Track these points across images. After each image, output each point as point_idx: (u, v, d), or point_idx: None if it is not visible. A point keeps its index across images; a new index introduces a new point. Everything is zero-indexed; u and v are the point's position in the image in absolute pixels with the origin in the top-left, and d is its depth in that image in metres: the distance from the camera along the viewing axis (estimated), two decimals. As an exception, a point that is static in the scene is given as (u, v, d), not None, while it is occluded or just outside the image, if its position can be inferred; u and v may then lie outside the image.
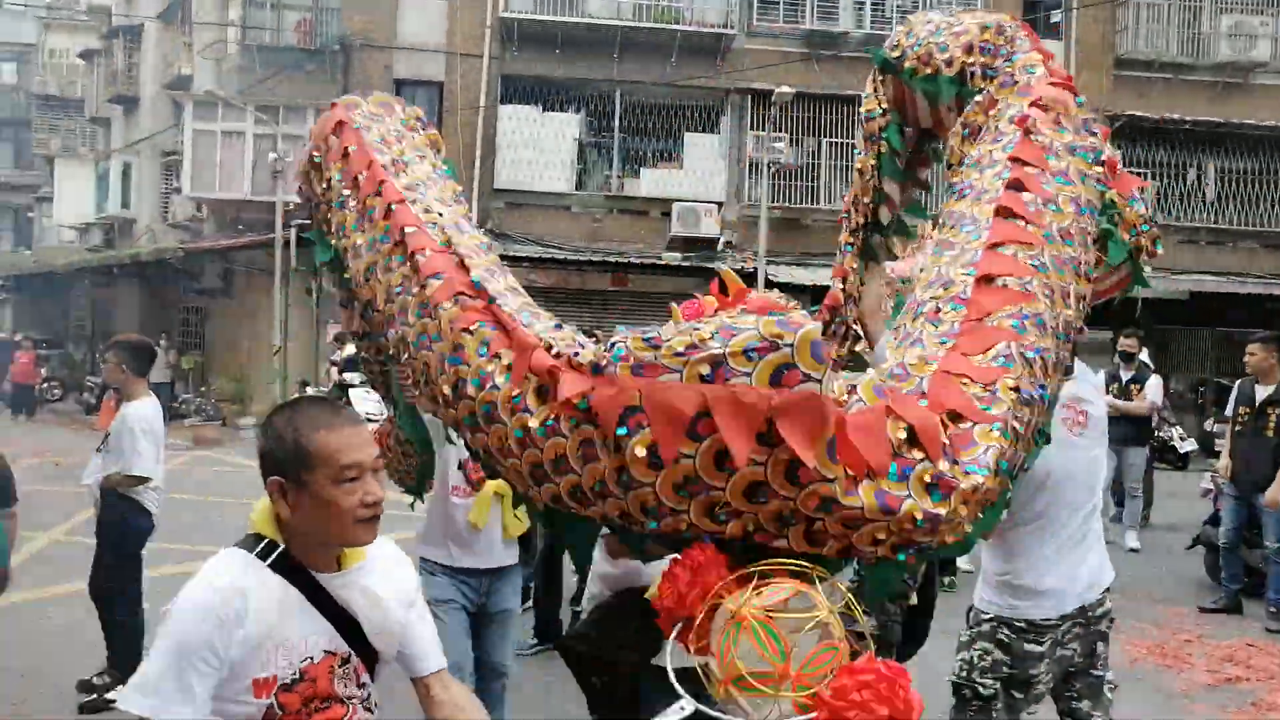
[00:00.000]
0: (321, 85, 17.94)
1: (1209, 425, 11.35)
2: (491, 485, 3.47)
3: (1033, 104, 2.31)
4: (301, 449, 1.67)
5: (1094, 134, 2.36)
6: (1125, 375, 8.63)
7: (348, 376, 13.29)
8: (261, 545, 1.73)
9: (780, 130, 17.25)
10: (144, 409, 4.50)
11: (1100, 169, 2.31)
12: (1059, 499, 2.88)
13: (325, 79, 17.92)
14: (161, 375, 18.01)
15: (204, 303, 20.43)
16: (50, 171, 27.54)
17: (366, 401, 12.91)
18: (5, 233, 34.85)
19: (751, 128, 17.66)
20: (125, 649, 4.51)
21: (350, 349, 14.77)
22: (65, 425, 17.50)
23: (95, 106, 26.46)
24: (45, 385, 20.86)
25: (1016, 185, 2.11)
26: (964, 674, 2.91)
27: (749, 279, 17.22)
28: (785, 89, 16.18)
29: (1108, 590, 3.07)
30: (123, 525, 4.51)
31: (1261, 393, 6.50)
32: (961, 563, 6.54)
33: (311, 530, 1.70)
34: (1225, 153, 18.73)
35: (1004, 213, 2.07)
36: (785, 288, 17.46)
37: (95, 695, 4.44)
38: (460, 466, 3.57)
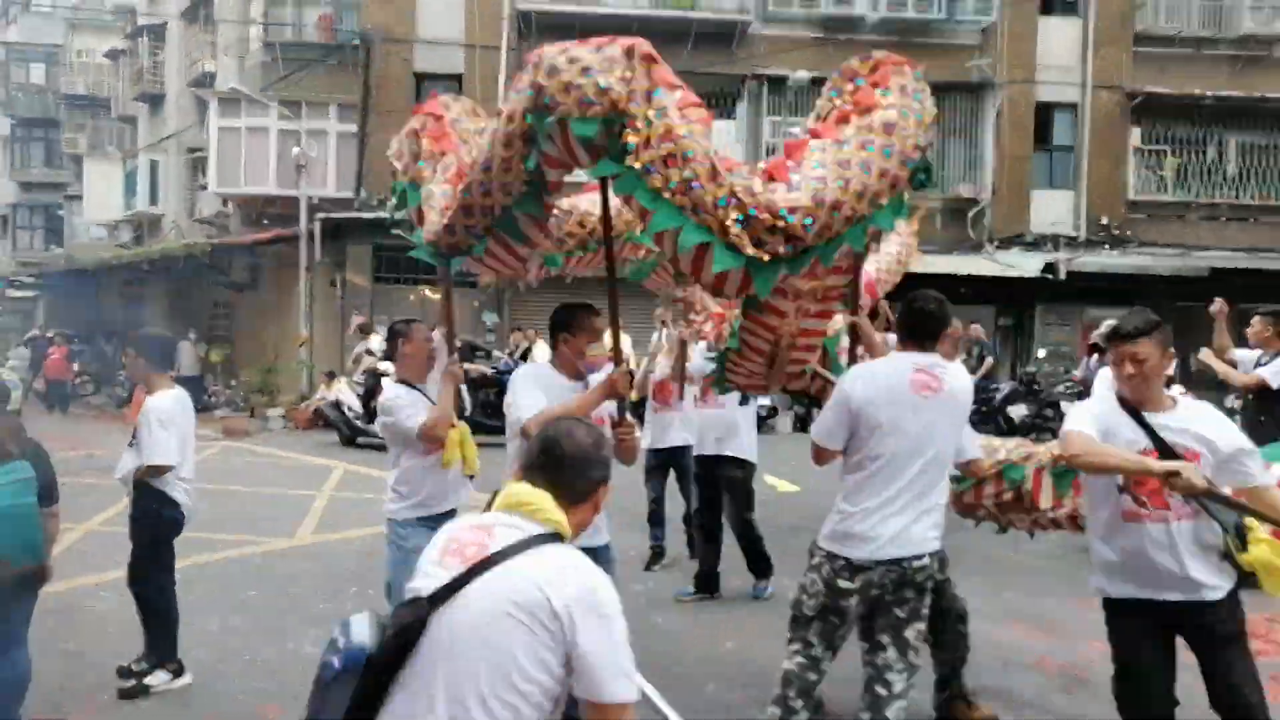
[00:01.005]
0: (343, 80, 18.12)
1: (1229, 402, 11.23)
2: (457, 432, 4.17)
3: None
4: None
5: None
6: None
7: (382, 365, 13.51)
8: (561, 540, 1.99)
9: (797, 115, 17.23)
10: (162, 401, 4.56)
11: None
12: (887, 449, 3.30)
13: (346, 74, 18.09)
14: (191, 369, 18.35)
15: (231, 297, 20.74)
16: (79, 170, 27.97)
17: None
18: (37, 231, 35.41)
19: (768, 113, 17.65)
20: (160, 636, 4.66)
21: (376, 340, 14.99)
22: (98, 419, 17.87)
23: (122, 105, 26.84)
24: (78, 380, 21.26)
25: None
26: (797, 597, 3.50)
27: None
28: (801, 74, 16.17)
29: (934, 556, 3.41)
30: (153, 517, 4.61)
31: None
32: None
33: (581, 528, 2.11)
34: (1247, 128, 18.49)
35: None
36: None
37: (134, 681, 4.57)
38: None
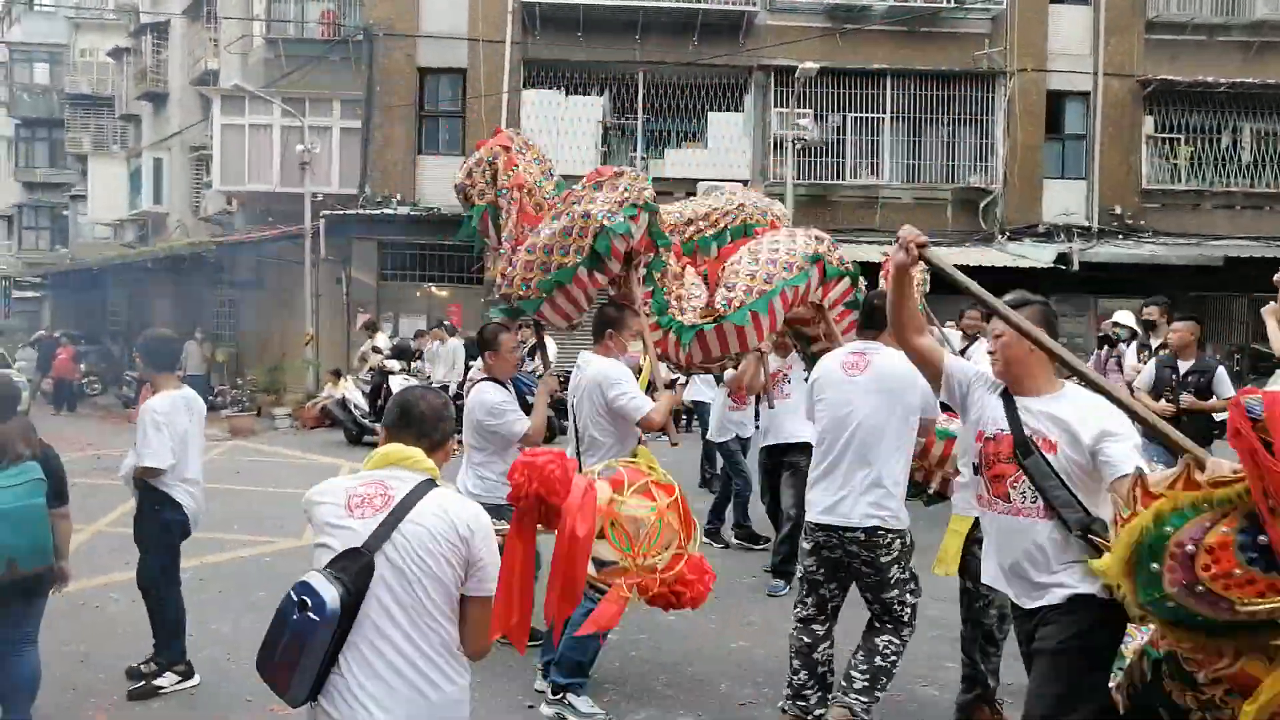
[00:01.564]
0: (346, 76, 18.05)
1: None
2: None
3: None
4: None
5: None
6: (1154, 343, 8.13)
7: (389, 364, 13.45)
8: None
9: (804, 106, 17.11)
10: (159, 402, 4.49)
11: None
12: (823, 424, 3.92)
13: (350, 69, 18.02)
14: (197, 368, 18.32)
15: (236, 295, 20.70)
16: (84, 170, 27.98)
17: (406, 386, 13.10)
18: (42, 231, 35.47)
19: (776, 105, 17.51)
20: (168, 638, 4.62)
21: (383, 337, 14.94)
22: (105, 419, 17.85)
23: (126, 104, 26.84)
24: (85, 380, 21.26)
25: None
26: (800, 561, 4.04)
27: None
28: (809, 64, 16.04)
29: (869, 534, 3.74)
30: (155, 519, 4.57)
31: None
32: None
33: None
34: (1261, 115, 18.33)
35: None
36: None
37: (144, 682, 4.54)
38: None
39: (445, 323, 15.07)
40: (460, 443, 4.65)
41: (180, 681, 4.57)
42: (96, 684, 4.62)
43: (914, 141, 18.13)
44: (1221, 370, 6.78)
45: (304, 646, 2.19)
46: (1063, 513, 2.72)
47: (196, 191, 22.31)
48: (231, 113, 18.26)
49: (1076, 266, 16.76)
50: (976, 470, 2.97)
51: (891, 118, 17.91)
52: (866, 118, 17.90)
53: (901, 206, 17.75)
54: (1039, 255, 16.67)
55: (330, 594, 2.18)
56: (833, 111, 17.84)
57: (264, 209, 18.97)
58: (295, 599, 2.20)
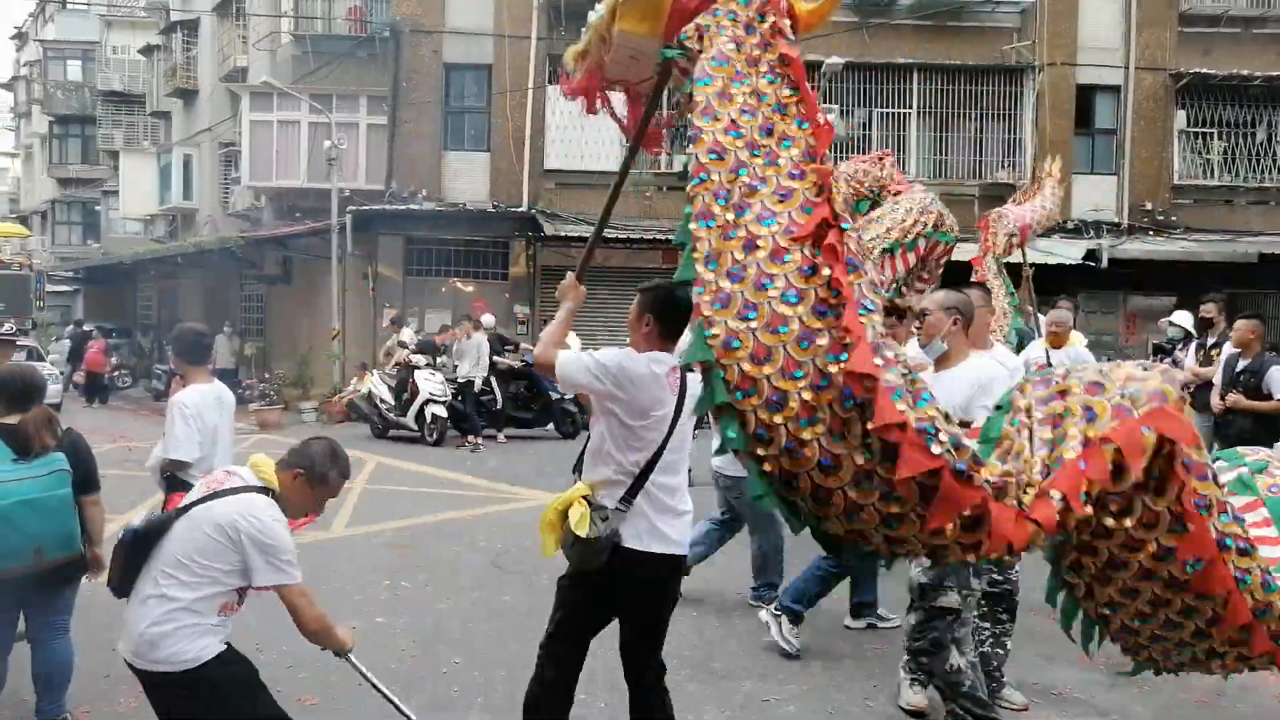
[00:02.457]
0: (373, 72, 18.15)
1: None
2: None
3: None
4: (326, 476, 3.18)
5: None
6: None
7: (414, 358, 13.52)
8: (271, 495, 3.08)
9: (830, 101, 17.00)
10: (187, 395, 4.50)
11: None
12: None
13: (376, 65, 18.12)
14: (226, 362, 18.52)
15: (264, 290, 20.89)
16: (115, 166, 28.33)
17: (430, 382, 13.14)
18: (75, 227, 35.95)
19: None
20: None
21: (408, 332, 15.02)
22: (136, 411, 18.09)
23: (156, 101, 27.12)
24: (116, 373, 21.55)
25: None
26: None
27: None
28: (835, 60, 15.93)
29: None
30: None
31: None
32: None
33: (295, 505, 3.17)
34: (1297, 109, 18.03)
35: None
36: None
37: (173, 670, 4.59)
38: None
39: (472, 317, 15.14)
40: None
41: (209, 670, 4.61)
42: (128, 672, 4.65)
43: (941, 137, 17.98)
44: (1275, 370, 6.72)
45: (115, 555, 3.09)
46: None
47: (225, 187, 22.52)
48: (260, 109, 18.42)
49: (1106, 263, 16.56)
50: None
51: (918, 113, 17.77)
52: (893, 113, 17.77)
53: (928, 202, 17.62)
54: (1067, 252, 16.48)
55: (133, 524, 3.08)
56: (858, 107, 17.73)
57: (292, 204, 19.12)
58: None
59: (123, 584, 3.04)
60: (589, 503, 3.22)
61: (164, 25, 25.96)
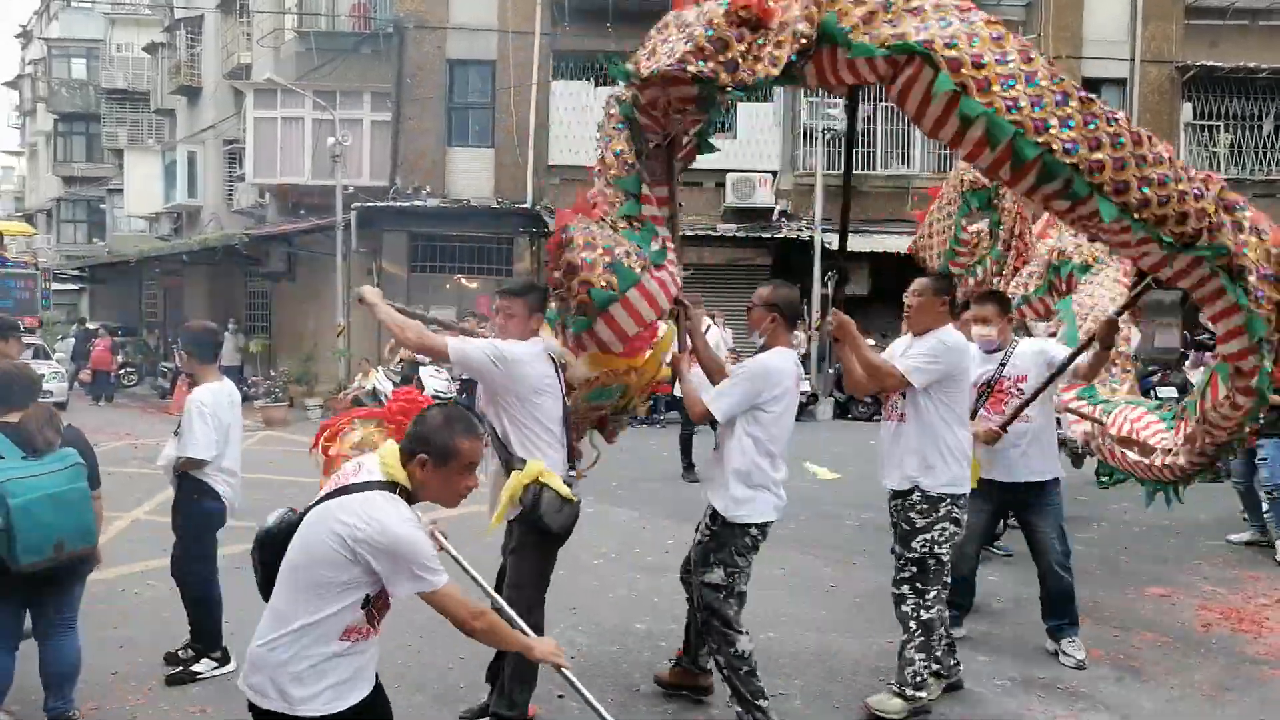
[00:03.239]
0: (376, 68, 18.15)
1: None
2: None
3: None
4: (450, 447, 2.56)
5: None
6: None
7: (420, 355, 13.53)
8: (399, 490, 2.56)
9: (835, 96, 16.93)
10: (203, 394, 4.55)
11: None
12: None
13: (380, 62, 18.12)
14: (231, 359, 18.55)
15: (269, 287, 20.92)
16: (120, 164, 28.37)
17: (436, 379, 13.15)
18: (80, 225, 36.04)
19: (805, 95, 17.39)
20: (204, 625, 4.68)
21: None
22: (142, 409, 18.13)
23: (161, 98, 27.16)
24: (121, 371, 21.59)
25: None
26: (929, 552, 4.12)
27: (805, 247, 17.09)
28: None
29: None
30: (194, 508, 4.62)
31: None
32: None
33: (437, 492, 2.61)
34: (1303, 102, 17.95)
35: None
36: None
37: (181, 668, 4.61)
38: None
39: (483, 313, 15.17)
40: None
41: (217, 667, 4.62)
42: (135, 669, 4.69)
43: (946, 131, 17.92)
44: None
45: (252, 557, 2.72)
46: None
47: (230, 184, 22.55)
48: (264, 106, 18.43)
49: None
50: None
51: (923, 107, 17.69)
52: (897, 107, 17.71)
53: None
54: (1073, 245, 16.42)
55: (270, 521, 2.71)
56: (863, 101, 17.59)
57: (296, 201, 19.14)
58: None
59: (264, 587, 2.69)
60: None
61: (168, 22, 25.99)
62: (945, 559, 4.12)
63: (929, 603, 4.12)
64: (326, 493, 2.59)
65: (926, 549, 4.10)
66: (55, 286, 34.26)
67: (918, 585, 4.12)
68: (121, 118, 31.20)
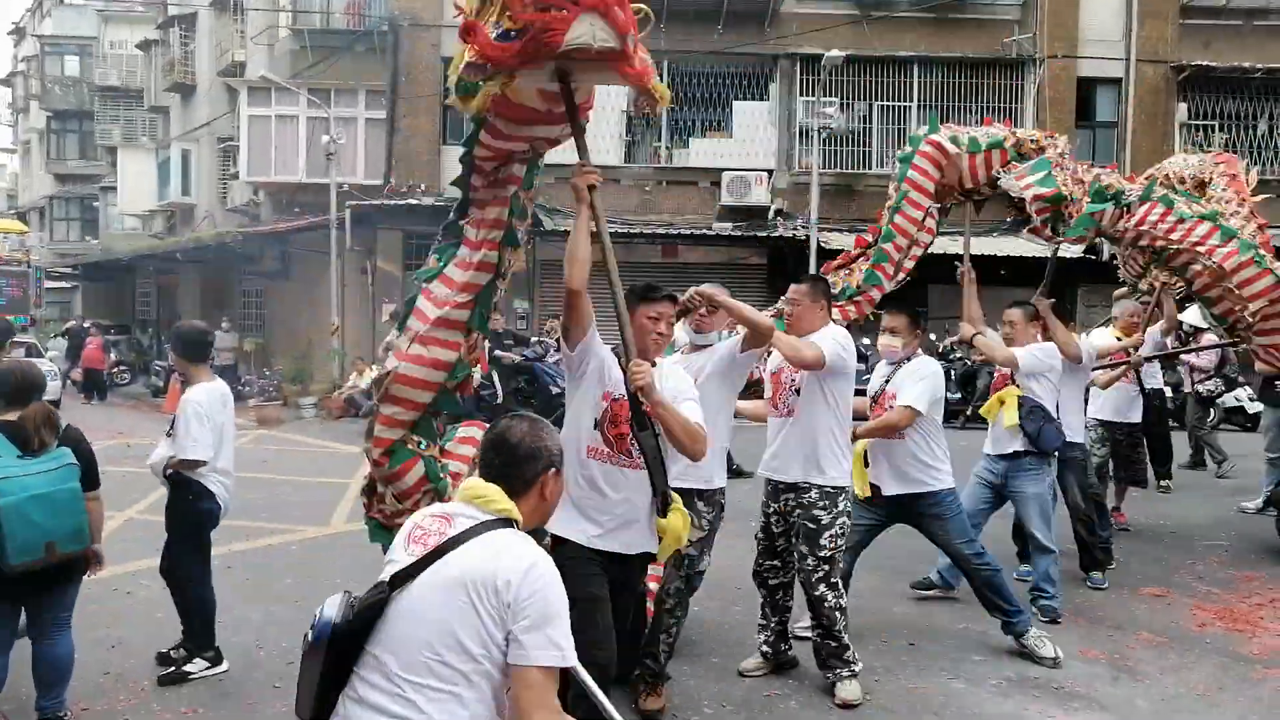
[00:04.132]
0: (371, 66, 18.10)
1: (1280, 385, 10.97)
2: None
3: None
4: (556, 452, 2.28)
5: None
6: None
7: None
8: (514, 526, 2.18)
9: (830, 95, 16.96)
10: (198, 394, 4.53)
11: None
12: None
13: (375, 60, 18.07)
14: (225, 358, 18.49)
15: (263, 285, 20.87)
16: (113, 161, 28.28)
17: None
18: (73, 222, 35.90)
19: (801, 93, 17.40)
20: (197, 625, 4.65)
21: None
22: (134, 408, 18.07)
23: (154, 96, 27.07)
24: (114, 370, 21.50)
25: None
26: None
27: (801, 246, 17.08)
28: (835, 53, 15.90)
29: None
30: (188, 508, 4.60)
31: None
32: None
33: (547, 515, 2.34)
34: (1298, 102, 18.00)
35: None
36: (837, 255, 17.21)
37: (173, 668, 4.58)
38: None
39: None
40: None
41: (209, 668, 4.60)
42: (128, 669, 4.66)
43: (941, 130, 17.93)
44: None
45: (304, 664, 2.12)
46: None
47: (224, 182, 22.49)
48: (258, 104, 18.37)
49: (1106, 257, 16.52)
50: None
51: (919, 105, 17.72)
52: (893, 106, 17.74)
53: (928, 196, 17.61)
54: (1068, 245, 16.45)
55: (331, 612, 2.08)
56: (859, 99, 17.69)
57: (290, 199, 19.09)
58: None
59: (319, 705, 2.10)
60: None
61: (161, 20, 25.91)
62: (843, 546, 4.33)
63: (840, 588, 4.33)
64: (417, 559, 2.09)
65: (834, 545, 4.25)
66: (48, 284, 34.23)
67: (831, 580, 4.26)
68: (115, 115, 31.09)
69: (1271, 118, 18.00)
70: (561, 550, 3.22)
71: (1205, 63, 17.39)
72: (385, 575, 2.13)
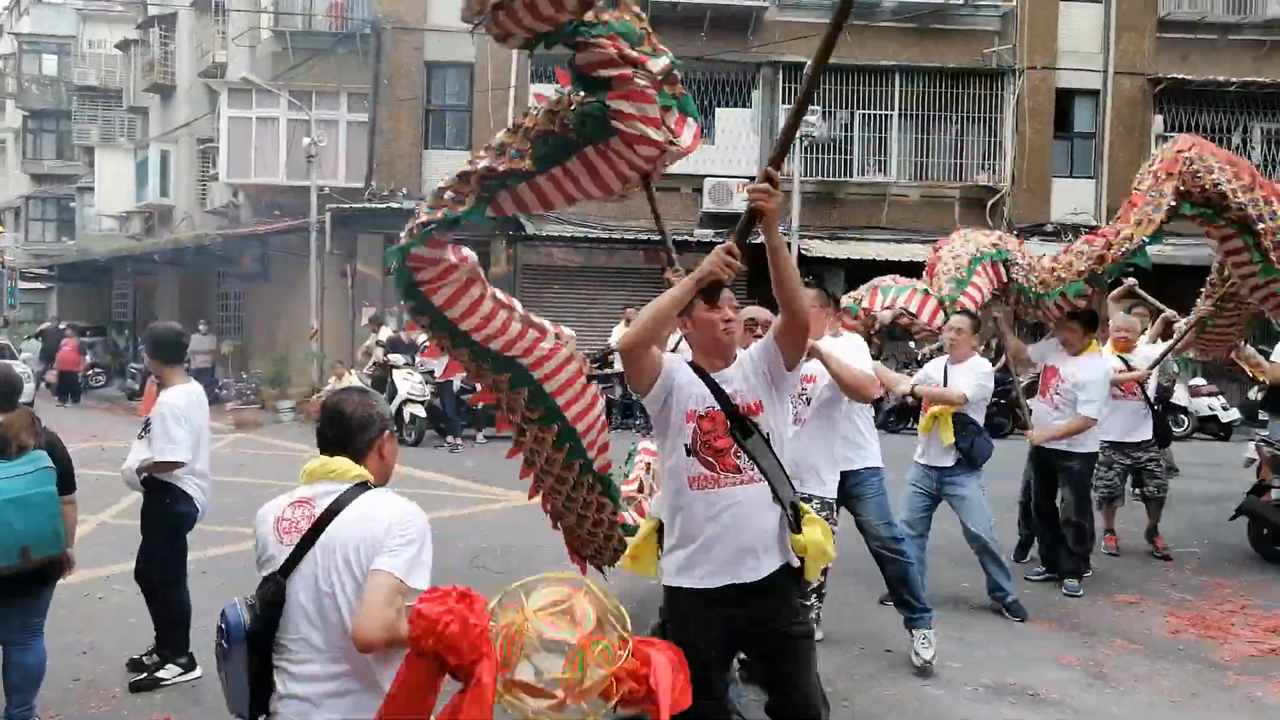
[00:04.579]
0: (353, 69, 18.03)
1: (1253, 394, 11.13)
2: None
3: None
4: (387, 417, 2.59)
5: None
6: None
7: (393, 357, 13.43)
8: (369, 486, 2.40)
9: (812, 103, 17.03)
10: (175, 396, 4.49)
11: None
12: None
13: (357, 62, 18.00)
14: (203, 360, 18.33)
15: (242, 288, 20.71)
16: (91, 162, 28.00)
17: (409, 381, 13.06)
18: (49, 223, 35.49)
19: (784, 101, 17.46)
20: (171, 630, 4.61)
21: (387, 332, 14.93)
22: (110, 411, 17.88)
23: (133, 96, 26.83)
24: (89, 372, 21.28)
25: None
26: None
27: (782, 254, 17.12)
28: (817, 61, 15.97)
29: None
30: (164, 511, 4.56)
31: None
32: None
33: (383, 472, 2.51)
34: (1272, 114, 18.24)
35: None
36: (819, 262, 17.33)
37: (145, 674, 4.54)
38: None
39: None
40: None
41: (182, 674, 4.55)
42: (99, 675, 4.61)
43: (922, 139, 18.07)
44: None
45: (222, 668, 2.30)
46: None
47: (203, 184, 22.31)
48: (238, 105, 18.26)
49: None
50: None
51: (900, 115, 17.85)
52: (874, 115, 17.84)
53: (909, 205, 17.72)
54: (1047, 255, 16.61)
55: (238, 617, 2.26)
56: (841, 108, 17.78)
57: (270, 202, 18.96)
58: (218, 624, 2.29)
59: (255, 698, 2.26)
60: None
61: (141, 19, 25.70)
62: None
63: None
64: (296, 545, 2.27)
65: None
66: (23, 285, 33.86)
67: (816, 607, 4.46)
68: (93, 115, 30.79)
69: (1245, 130, 18.25)
70: (674, 604, 2.96)
71: (1181, 75, 17.61)
72: (267, 572, 2.30)
